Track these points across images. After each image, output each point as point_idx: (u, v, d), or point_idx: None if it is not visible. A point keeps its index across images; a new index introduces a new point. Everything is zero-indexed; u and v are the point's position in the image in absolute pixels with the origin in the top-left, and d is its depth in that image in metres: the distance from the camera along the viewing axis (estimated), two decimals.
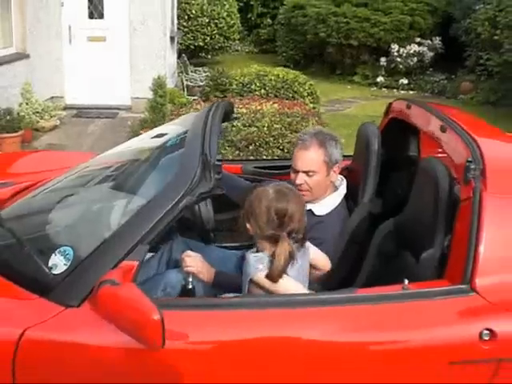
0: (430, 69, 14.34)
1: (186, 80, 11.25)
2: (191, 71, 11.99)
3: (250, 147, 5.90)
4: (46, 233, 2.44)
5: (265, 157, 5.80)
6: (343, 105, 11.94)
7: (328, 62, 15.21)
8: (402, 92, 13.58)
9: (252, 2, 18.90)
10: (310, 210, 2.78)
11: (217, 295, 2.54)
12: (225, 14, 14.08)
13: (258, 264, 2.25)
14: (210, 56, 14.95)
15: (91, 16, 9.83)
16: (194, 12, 13.66)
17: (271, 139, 5.98)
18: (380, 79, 14.05)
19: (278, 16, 16.94)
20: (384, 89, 13.87)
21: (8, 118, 7.32)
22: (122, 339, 1.82)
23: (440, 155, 2.62)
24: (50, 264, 2.10)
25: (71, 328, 1.93)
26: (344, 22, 13.86)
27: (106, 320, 1.82)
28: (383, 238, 2.67)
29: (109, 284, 1.81)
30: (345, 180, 3.01)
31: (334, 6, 14.23)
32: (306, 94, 8.29)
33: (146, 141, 3.13)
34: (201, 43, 13.96)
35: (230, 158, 5.62)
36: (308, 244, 2.45)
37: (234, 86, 8.46)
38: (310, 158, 2.83)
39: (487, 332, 1.94)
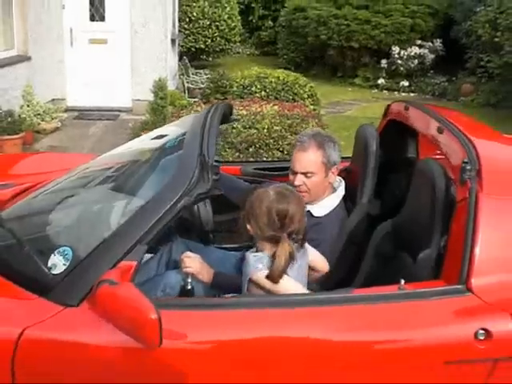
0: (431, 71, 14.34)
1: (187, 82, 11.26)
2: (192, 73, 12.00)
3: (250, 149, 5.91)
4: (45, 233, 2.46)
5: (265, 158, 5.81)
6: (344, 107, 11.95)
7: (329, 64, 15.21)
8: (403, 94, 13.58)
9: (253, 5, 18.91)
10: (309, 211, 2.79)
11: (216, 296, 2.56)
12: (226, 16, 14.09)
13: (257, 263, 2.27)
14: (211, 58, 14.96)
15: (92, 18, 9.85)
16: (195, 14, 13.67)
17: (271, 141, 5.99)
18: (381, 81, 14.06)
19: (279, 18, 16.94)
20: (385, 91, 13.87)
21: (9, 120, 7.31)
22: (120, 338, 1.84)
23: (438, 156, 2.64)
24: (49, 264, 2.12)
25: (70, 327, 1.94)
26: (345, 24, 13.87)
27: (105, 319, 1.84)
28: (381, 239, 2.69)
29: (107, 284, 1.83)
30: (343, 181, 3.03)
31: (334, 9, 14.23)
32: (306, 96, 8.30)
33: (146, 142, 3.15)
34: (202, 45, 13.97)
35: (230, 159, 5.64)
36: (307, 245, 2.47)
37: (235, 88, 8.47)
38: (308, 159, 2.85)
39: (483, 332, 1.95)
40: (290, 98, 8.16)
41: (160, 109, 7.73)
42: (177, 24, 12.41)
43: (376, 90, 13.94)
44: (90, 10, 9.79)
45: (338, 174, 3.03)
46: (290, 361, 1.98)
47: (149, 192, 2.32)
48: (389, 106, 3.38)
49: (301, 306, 2.06)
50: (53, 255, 2.14)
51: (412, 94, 13.57)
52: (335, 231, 2.82)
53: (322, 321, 2.04)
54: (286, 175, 3.04)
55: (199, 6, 13.69)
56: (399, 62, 13.93)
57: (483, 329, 1.95)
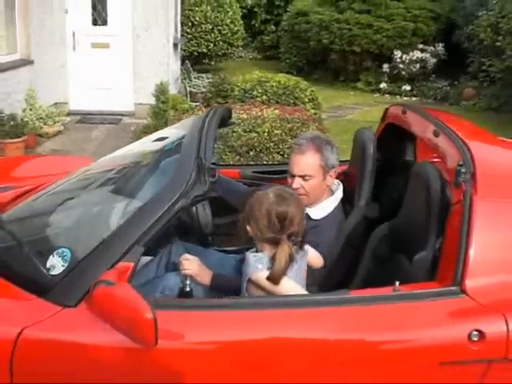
0: (433, 75, 14.34)
1: (190, 86, 11.30)
2: (194, 77, 12.03)
3: (251, 153, 5.93)
4: (44, 235, 2.49)
5: (265, 162, 5.83)
6: (346, 111, 11.96)
7: (331, 68, 15.24)
8: (405, 98, 13.59)
9: (256, 9, 18.95)
10: (307, 213, 2.80)
11: (214, 298, 2.58)
12: (228, 20, 14.12)
13: (257, 263, 2.28)
14: (213, 62, 14.99)
15: (95, 23, 9.89)
16: (197, 19, 13.70)
17: (272, 144, 6.02)
18: (383, 85, 14.07)
19: (282, 23, 16.98)
20: (387, 95, 13.88)
21: (12, 123, 7.34)
22: (117, 338, 1.86)
23: (435, 160, 2.65)
24: (48, 265, 2.14)
25: (68, 327, 1.96)
26: (347, 28, 13.88)
27: (101, 319, 1.86)
28: (378, 242, 2.71)
29: (104, 284, 1.85)
30: (341, 184, 3.04)
31: (336, 13, 14.25)
32: (307, 100, 8.31)
33: (147, 144, 3.18)
34: (204, 50, 14.00)
35: (231, 163, 5.66)
36: (307, 246, 2.49)
37: (236, 93, 8.48)
38: (306, 162, 2.86)
39: (476, 333, 1.96)
40: (291, 102, 8.17)
41: (162, 113, 7.76)
42: (179, 28, 12.44)
43: (378, 94, 13.94)
44: (93, 15, 9.83)
45: (337, 177, 3.05)
46: (286, 361, 2.00)
47: (147, 194, 2.35)
48: (387, 109, 3.41)
49: (297, 307, 2.09)
50: (51, 256, 2.16)
51: (414, 99, 13.58)
52: (333, 234, 2.83)
53: (318, 322, 2.05)
54: (284, 178, 3.06)
55: (202, 11, 13.72)
56: (401, 66, 13.95)
57: (477, 330, 1.97)
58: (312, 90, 8.69)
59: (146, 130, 7.44)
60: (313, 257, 2.60)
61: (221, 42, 14.14)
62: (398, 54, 13.92)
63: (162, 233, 2.84)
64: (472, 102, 12.42)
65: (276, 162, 5.79)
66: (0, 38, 8.67)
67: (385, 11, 13.93)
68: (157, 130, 6.67)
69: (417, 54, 13.93)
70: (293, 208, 2.32)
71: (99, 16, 9.85)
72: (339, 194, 3.00)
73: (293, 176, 2.89)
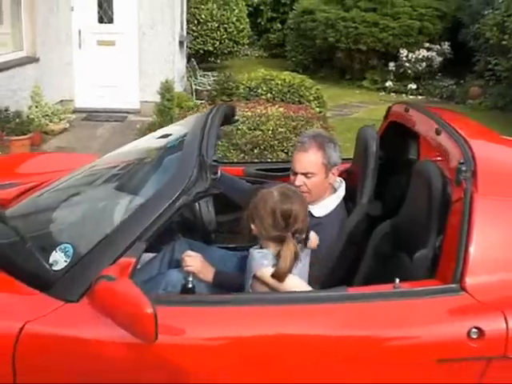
0: (439, 74, 14.34)
1: (195, 84, 11.32)
2: (200, 75, 12.06)
3: (255, 150, 5.95)
4: (47, 231, 2.51)
5: (269, 160, 5.84)
6: (351, 109, 11.96)
7: (337, 66, 15.24)
8: (411, 97, 13.59)
9: (262, 7, 18.97)
10: (309, 211, 2.81)
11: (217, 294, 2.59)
12: (234, 18, 14.14)
13: (262, 260, 2.30)
14: (219, 60, 15.01)
15: (101, 20, 9.92)
16: (203, 17, 13.73)
17: (276, 142, 6.03)
18: (389, 84, 14.07)
19: (288, 21, 17.00)
20: (393, 94, 13.88)
21: (17, 120, 7.36)
22: (119, 333, 1.87)
23: (438, 158, 2.66)
24: (50, 260, 2.17)
25: (70, 322, 1.98)
26: (353, 26, 13.88)
27: (103, 314, 1.88)
28: (380, 239, 2.72)
29: (105, 279, 1.86)
30: (344, 182, 3.05)
31: (342, 11, 14.25)
32: (312, 99, 8.30)
33: (151, 141, 3.19)
34: (210, 48, 14.03)
35: (235, 160, 5.67)
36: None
37: (241, 90, 8.49)
38: (308, 160, 2.87)
39: (475, 330, 1.97)
40: (296, 100, 8.17)
41: (167, 110, 7.77)
42: (185, 26, 12.47)
43: (384, 93, 13.94)
44: (99, 12, 9.86)
45: (340, 175, 3.06)
46: (286, 358, 2.01)
47: (149, 190, 2.36)
48: (390, 107, 3.41)
49: (296, 304, 2.10)
50: (54, 252, 2.18)
51: (420, 97, 13.58)
52: (335, 231, 2.84)
53: (317, 318, 2.06)
54: (287, 176, 3.07)
55: (208, 9, 13.75)
56: (407, 64, 13.94)
57: (476, 327, 1.97)
58: (317, 88, 8.69)
59: (151, 128, 7.44)
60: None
61: (227, 40, 14.17)
62: (404, 52, 13.91)
63: (166, 230, 2.86)
64: (478, 101, 12.40)
65: (280, 160, 5.79)
66: (6, 36, 8.72)
67: (391, 9, 13.91)
68: (162, 127, 6.69)
69: (423, 53, 13.92)
70: (297, 206, 2.33)
71: (105, 14, 9.88)
72: (342, 191, 3.00)
73: (295, 173, 2.90)
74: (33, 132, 7.61)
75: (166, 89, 7.89)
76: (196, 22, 13.70)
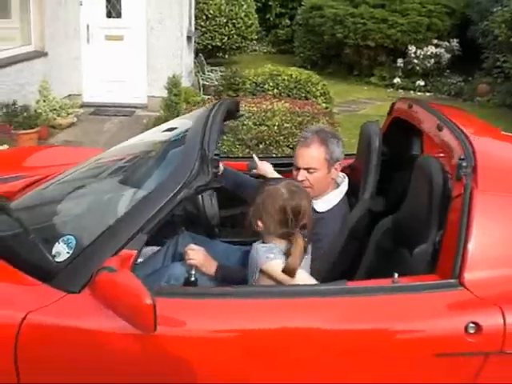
0: (447, 71, 14.27)
1: (203, 79, 11.33)
2: (208, 71, 12.06)
3: (260, 146, 5.96)
4: (51, 223, 2.54)
5: (274, 155, 5.84)
6: (359, 105, 11.94)
7: (345, 62, 15.19)
8: (419, 93, 13.53)
9: (270, 3, 18.92)
10: (312, 206, 2.83)
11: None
12: (243, 14, 14.12)
13: (268, 253, 2.31)
14: (227, 56, 14.99)
15: (109, 15, 9.94)
16: (211, 12, 13.72)
17: (281, 138, 6.04)
18: (397, 80, 14.01)
19: (296, 17, 16.96)
20: (401, 90, 13.82)
21: (25, 114, 7.38)
22: (120, 324, 1.90)
23: (441, 154, 2.67)
24: (53, 252, 2.20)
25: (71, 313, 2.01)
26: (361, 22, 13.84)
27: (103, 305, 1.90)
28: (382, 235, 2.73)
29: (107, 271, 1.89)
30: (346, 177, 3.05)
31: (351, 7, 14.21)
32: (318, 94, 8.30)
33: (156, 134, 3.22)
34: (218, 43, 14.02)
35: (240, 155, 5.68)
36: None
37: (248, 86, 8.49)
38: (310, 155, 2.88)
39: (473, 325, 1.98)
40: (303, 95, 8.17)
41: (174, 105, 7.79)
42: (193, 21, 12.47)
43: (392, 89, 13.88)
44: (107, 7, 9.88)
45: (343, 171, 3.07)
46: (286, 350, 2.03)
47: (152, 183, 2.39)
48: (393, 104, 3.42)
49: (296, 297, 2.12)
50: (57, 243, 2.21)
51: (428, 94, 13.52)
52: (337, 226, 2.85)
53: (317, 312, 2.08)
54: (290, 171, 3.08)
55: (216, 4, 13.73)
56: (415, 61, 13.88)
57: (474, 322, 1.98)
58: (324, 84, 8.68)
59: (158, 123, 7.45)
60: None
61: (235, 36, 14.15)
62: (412, 49, 13.85)
63: (169, 223, 2.89)
64: (486, 98, 12.35)
65: (284, 155, 5.80)
66: (14, 30, 8.76)
67: (399, 6, 13.87)
68: None
69: (431, 50, 13.85)
70: (305, 202, 2.35)
71: (113, 8, 9.90)
72: (344, 186, 3.01)
73: (298, 168, 2.91)
74: (40, 126, 7.63)
75: (173, 84, 7.91)
76: (204, 17, 13.69)
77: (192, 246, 2.70)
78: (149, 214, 2.12)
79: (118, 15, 9.93)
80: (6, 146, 6.50)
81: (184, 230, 3.09)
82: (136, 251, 2.03)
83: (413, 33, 13.78)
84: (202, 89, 10.91)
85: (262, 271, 2.32)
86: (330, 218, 2.86)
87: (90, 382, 2.05)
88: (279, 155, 5.84)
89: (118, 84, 9.99)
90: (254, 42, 16.25)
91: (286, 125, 6.21)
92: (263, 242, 2.41)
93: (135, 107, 9.95)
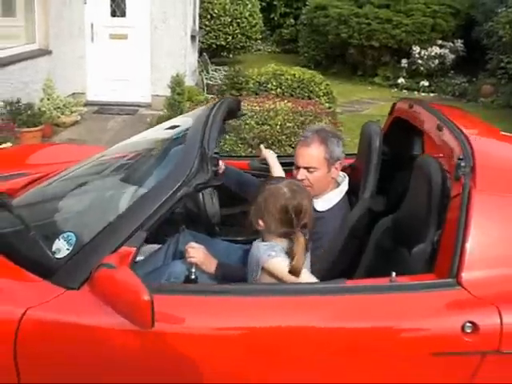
0: (452, 71, 14.26)
1: (207, 78, 11.36)
2: (212, 70, 12.09)
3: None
4: (51, 219, 2.56)
5: (277, 155, 5.84)
6: (362, 106, 11.94)
7: (349, 62, 15.20)
8: (423, 94, 13.52)
9: (275, 2, 18.94)
10: (312, 205, 2.84)
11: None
12: (247, 13, 14.15)
13: (269, 251, 2.31)
14: (231, 55, 15.02)
15: (113, 14, 9.97)
16: (216, 11, 13.75)
17: (284, 137, 6.05)
18: (401, 81, 14.01)
19: (301, 16, 16.97)
20: (405, 90, 13.82)
21: (29, 112, 7.40)
22: (118, 320, 1.91)
23: (441, 154, 2.67)
24: (53, 248, 2.21)
25: (70, 309, 2.02)
26: (366, 23, 13.85)
27: (102, 301, 1.92)
28: (381, 234, 2.74)
29: (106, 267, 1.90)
30: (347, 177, 3.06)
31: (355, 7, 14.23)
32: (321, 94, 8.31)
33: (159, 132, 3.24)
34: (223, 42, 14.05)
35: (243, 154, 5.69)
36: None
37: (251, 85, 8.50)
38: (310, 154, 2.89)
39: (470, 325, 1.98)
40: (306, 95, 8.18)
41: (177, 104, 7.82)
42: (197, 20, 12.49)
43: (396, 90, 13.88)
44: (111, 6, 9.92)
45: (344, 170, 3.08)
46: (284, 348, 2.04)
47: (151, 181, 2.41)
48: (394, 104, 3.43)
49: (294, 295, 2.13)
50: (57, 240, 2.23)
51: (432, 94, 13.51)
52: (337, 225, 2.86)
53: (315, 310, 2.09)
54: (291, 170, 3.09)
55: (220, 3, 13.76)
56: (420, 61, 13.88)
57: (470, 322, 1.99)
58: (327, 84, 8.68)
59: (161, 121, 7.48)
60: None
61: (239, 35, 14.18)
62: (416, 49, 13.85)
63: (170, 222, 2.91)
64: (490, 99, 12.34)
65: (285, 155, 5.80)
66: (19, 28, 8.79)
67: (404, 6, 13.87)
68: None
69: (435, 50, 13.85)
70: (306, 201, 2.36)
71: (118, 7, 9.93)
72: (344, 186, 3.02)
73: (298, 167, 2.92)
74: (44, 124, 7.66)
75: (177, 83, 7.93)
76: (209, 16, 13.73)
77: (192, 244, 2.71)
78: (148, 212, 2.13)
79: (123, 14, 9.96)
80: (9, 144, 6.51)
81: (185, 228, 3.11)
82: (135, 248, 2.05)
83: (417, 33, 13.78)
84: (205, 88, 10.93)
85: (263, 269, 2.32)
86: (330, 217, 2.87)
87: (89, 378, 2.06)
88: (281, 154, 5.84)
89: (122, 83, 10.02)
90: (259, 41, 16.31)
91: (288, 124, 6.22)
92: (262, 240, 2.42)
93: (139, 106, 9.97)
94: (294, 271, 2.26)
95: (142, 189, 2.37)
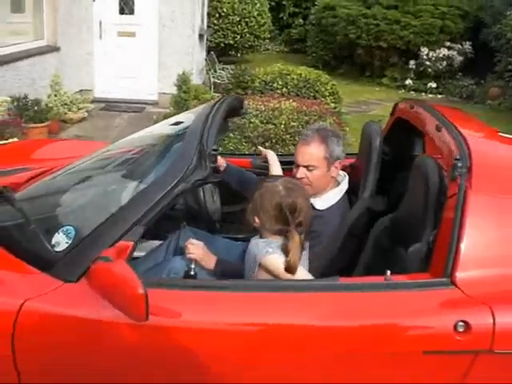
0: (459, 73, 14.24)
1: (214, 77, 11.38)
2: (219, 69, 12.11)
3: (267, 144, 5.97)
4: (52, 213, 2.59)
5: (280, 153, 5.86)
6: (369, 106, 11.94)
7: (357, 63, 15.21)
8: (430, 95, 13.51)
9: (284, 2, 18.96)
10: (311, 204, 2.85)
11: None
12: (256, 12, 14.17)
13: (266, 247, 2.33)
14: (239, 54, 15.04)
15: (122, 12, 10.01)
16: (225, 10, 13.79)
17: (288, 136, 6.05)
18: (408, 82, 14.01)
19: (310, 16, 16.98)
20: (412, 92, 13.82)
21: (36, 108, 7.44)
22: (115, 313, 1.93)
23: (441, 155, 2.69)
24: (53, 242, 2.25)
25: (68, 301, 2.05)
26: (374, 23, 13.86)
27: (98, 293, 1.94)
28: (380, 233, 2.75)
29: (103, 260, 1.93)
30: (347, 176, 3.08)
31: (364, 8, 14.23)
32: (327, 94, 8.31)
33: (163, 128, 3.26)
34: (231, 41, 14.08)
35: (247, 153, 5.70)
36: None
37: (257, 84, 8.51)
38: (310, 153, 2.91)
39: (462, 324, 2.00)
40: (312, 95, 8.17)
41: (183, 102, 7.84)
42: (205, 19, 12.52)
43: (403, 91, 13.89)
44: (120, 3, 9.96)
45: (344, 170, 3.09)
46: (278, 344, 2.06)
47: (151, 177, 2.44)
48: (396, 104, 3.44)
49: (287, 291, 2.15)
50: (57, 234, 2.26)
51: (439, 96, 13.51)
52: (337, 224, 2.87)
53: (309, 307, 2.10)
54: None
55: (229, 2, 13.79)
56: (427, 63, 13.87)
57: (463, 321, 2.00)
58: (333, 84, 8.68)
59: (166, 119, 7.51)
60: None
61: (247, 34, 14.21)
62: (424, 50, 13.85)
63: (172, 218, 2.93)
64: (497, 102, 12.32)
65: (287, 153, 5.82)
66: (27, 25, 8.83)
67: (413, 7, 13.86)
68: None
69: (444, 52, 13.85)
70: (301, 199, 2.38)
71: (126, 5, 9.97)
72: (344, 185, 3.03)
73: (297, 166, 2.94)
74: (51, 120, 7.69)
75: (183, 81, 7.96)
76: (217, 15, 13.76)
77: (192, 240, 2.73)
78: (146, 207, 2.16)
79: (131, 12, 10.00)
80: (15, 140, 6.55)
81: (186, 224, 3.13)
82: (132, 243, 2.07)
83: (425, 35, 13.77)
84: (212, 86, 10.96)
85: (260, 265, 2.35)
86: (329, 215, 2.89)
87: (86, 369, 2.08)
88: (283, 153, 5.86)
89: (130, 80, 10.06)
90: (267, 40, 16.33)
91: (292, 123, 6.23)
92: (260, 237, 2.44)
93: (146, 103, 10.00)
94: (290, 268, 2.28)
95: (141, 184, 2.39)
